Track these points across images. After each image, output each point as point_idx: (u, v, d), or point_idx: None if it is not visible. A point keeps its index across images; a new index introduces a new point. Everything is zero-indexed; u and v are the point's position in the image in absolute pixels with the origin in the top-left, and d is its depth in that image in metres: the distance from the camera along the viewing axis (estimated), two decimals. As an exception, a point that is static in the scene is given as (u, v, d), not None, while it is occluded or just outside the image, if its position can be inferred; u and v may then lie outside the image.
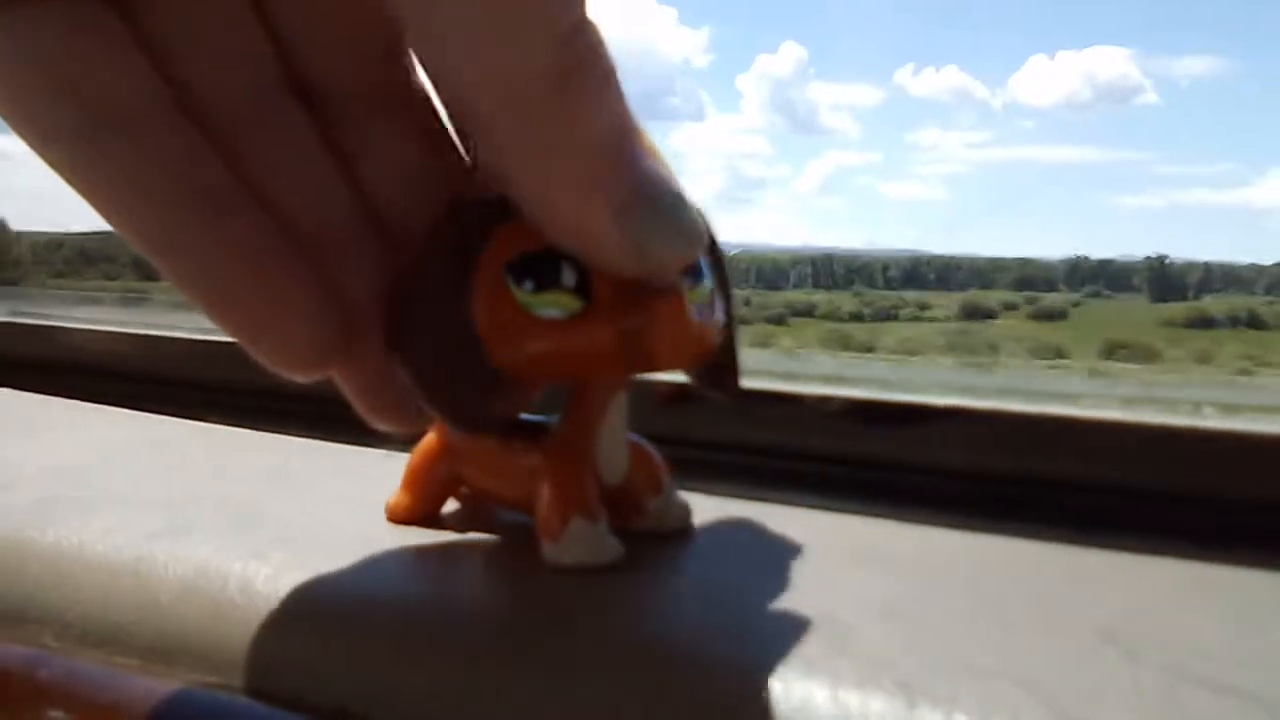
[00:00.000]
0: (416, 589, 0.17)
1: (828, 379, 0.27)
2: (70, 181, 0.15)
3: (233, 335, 0.16)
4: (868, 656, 0.14)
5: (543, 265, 0.15)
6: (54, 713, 0.16)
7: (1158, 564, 0.18)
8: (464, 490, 0.20)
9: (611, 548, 0.18)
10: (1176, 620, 0.16)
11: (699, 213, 0.15)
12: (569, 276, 0.15)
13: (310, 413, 0.28)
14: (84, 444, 0.26)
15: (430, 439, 0.20)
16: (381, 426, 0.17)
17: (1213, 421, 0.21)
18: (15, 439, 0.27)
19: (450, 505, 0.20)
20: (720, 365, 0.18)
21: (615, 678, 0.14)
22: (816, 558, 0.18)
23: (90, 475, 0.23)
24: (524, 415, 0.19)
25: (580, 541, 0.17)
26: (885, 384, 0.27)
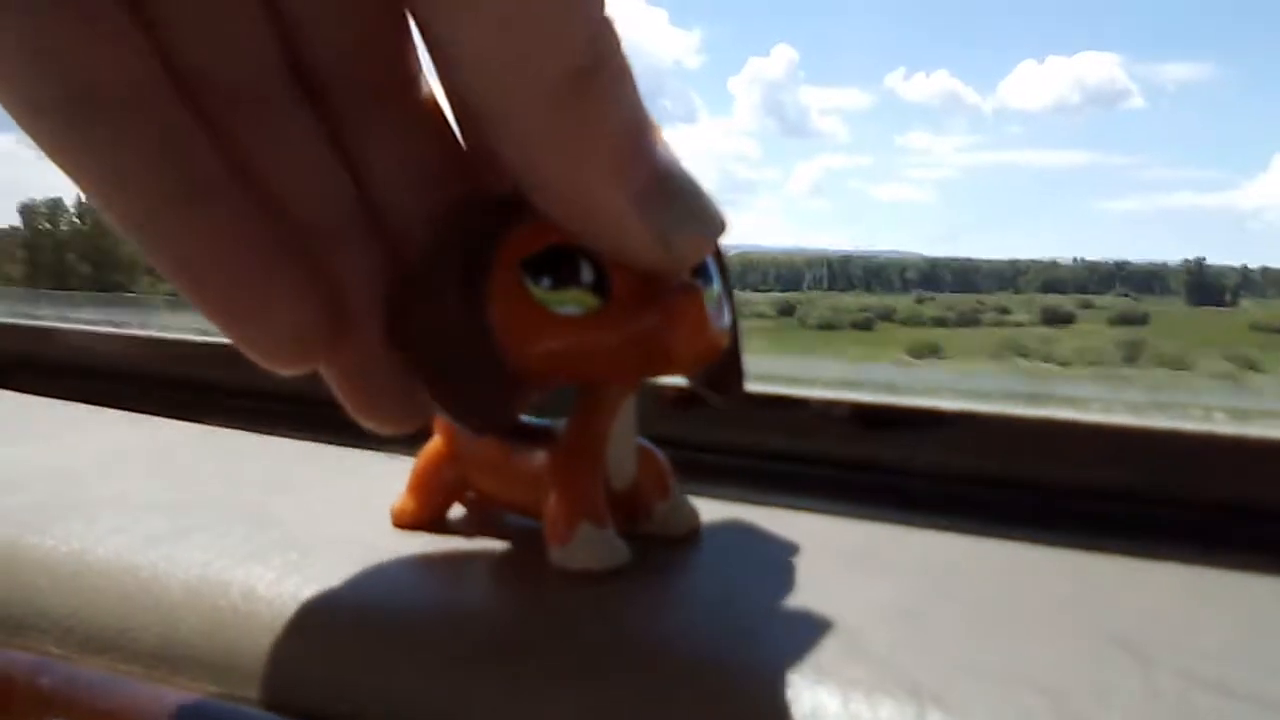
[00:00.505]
0: (422, 594, 0.17)
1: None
2: (52, 156, 0.14)
3: (212, 321, 0.15)
4: (877, 661, 0.14)
5: (560, 262, 0.15)
6: (56, 720, 0.16)
7: (1168, 569, 0.18)
8: (470, 495, 0.20)
9: (619, 552, 0.17)
10: (1189, 625, 0.16)
11: (715, 200, 0.15)
12: (587, 274, 0.15)
13: (315, 416, 0.28)
14: (85, 447, 0.26)
15: (436, 443, 0.20)
16: (369, 426, 0.17)
17: (1223, 426, 0.21)
18: (15, 442, 0.27)
19: (456, 510, 0.20)
20: (724, 369, 0.18)
21: (623, 682, 0.14)
22: (825, 562, 0.18)
23: (91, 479, 0.23)
24: (531, 419, 0.19)
25: (588, 546, 0.17)
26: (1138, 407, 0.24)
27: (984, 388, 0.28)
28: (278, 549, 0.18)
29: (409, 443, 0.20)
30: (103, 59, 0.14)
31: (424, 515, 0.20)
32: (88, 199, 0.15)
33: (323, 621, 0.16)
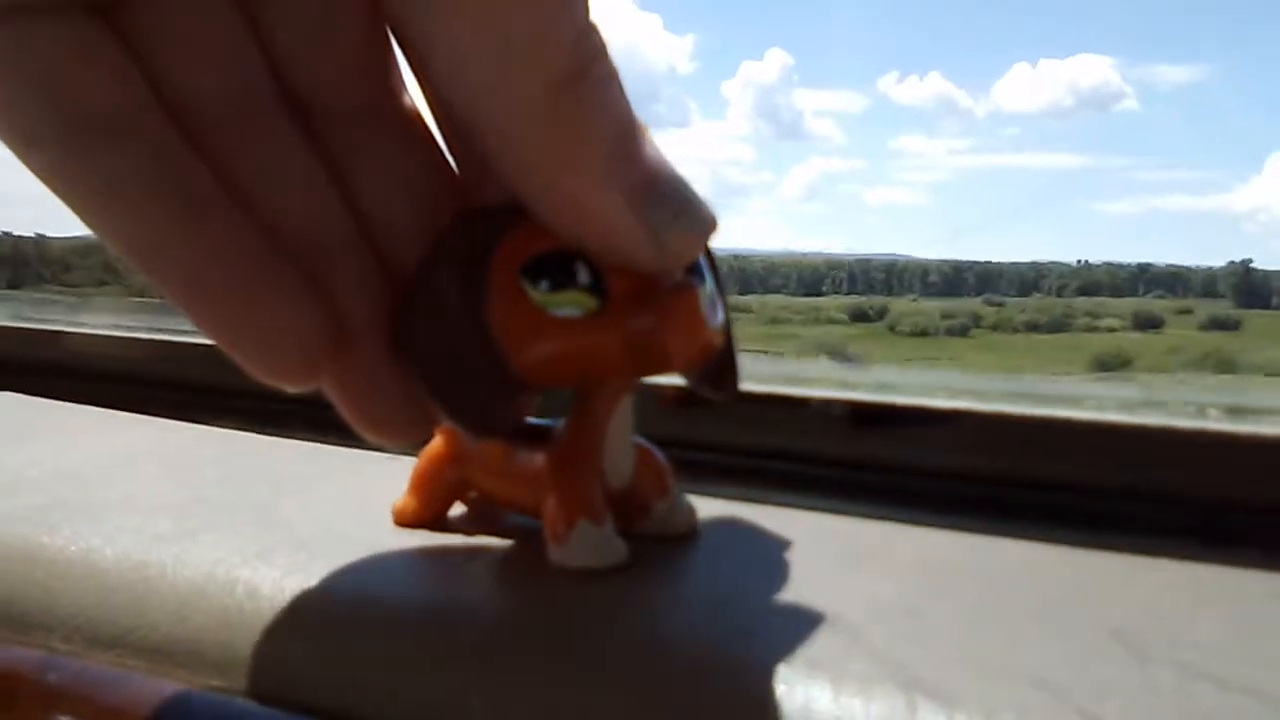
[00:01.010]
0: (423, 592, 0.17)
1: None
2: (48, 185, 0.15)
3: (214, 339, 0.16)
4: (872, 657, 0.14)
5: (558, 265, 0.16)
6: (64, 716, 0.16)
7: (1165, 566, 0.18)
8: (471, 494, 0.20)
9: (617, 550, 0.18)
10: (1187, 621, 0.16)
11: (705, 199, 0.15)
12: (584, 275, 0.16)
13: (317, 417, 0.28)
14: (91, 448, 0.26)
15: (437, 443, 0.20)
16: (373, 438, 0.17)
17: (1220, 424, 0.21)
18: (22, 443, 0.27)
19: (457, 509, 0.20)
20: (720, 367, 0.18)
21: (621, 680, 0.14)
22: (822, 560, 0.18)
23: (97, 479, 0.23)
24: (530, 419, 0.19)
25: (586, 544, 0.17)
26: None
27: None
28: (282, 548, 0.18)
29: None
30: (102, 92, 0.14)
31: (425, 514, 0.20)
32: (86, 224, 0.15)
33: (326, 619, 0.17)
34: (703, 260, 0.17)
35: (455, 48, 0.14)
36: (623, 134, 0.15)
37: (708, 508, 0.20)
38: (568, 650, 0.15)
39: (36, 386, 0.32)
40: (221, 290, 0.15)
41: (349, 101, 0.16)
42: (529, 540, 0.19)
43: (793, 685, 0.14)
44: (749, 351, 0.20)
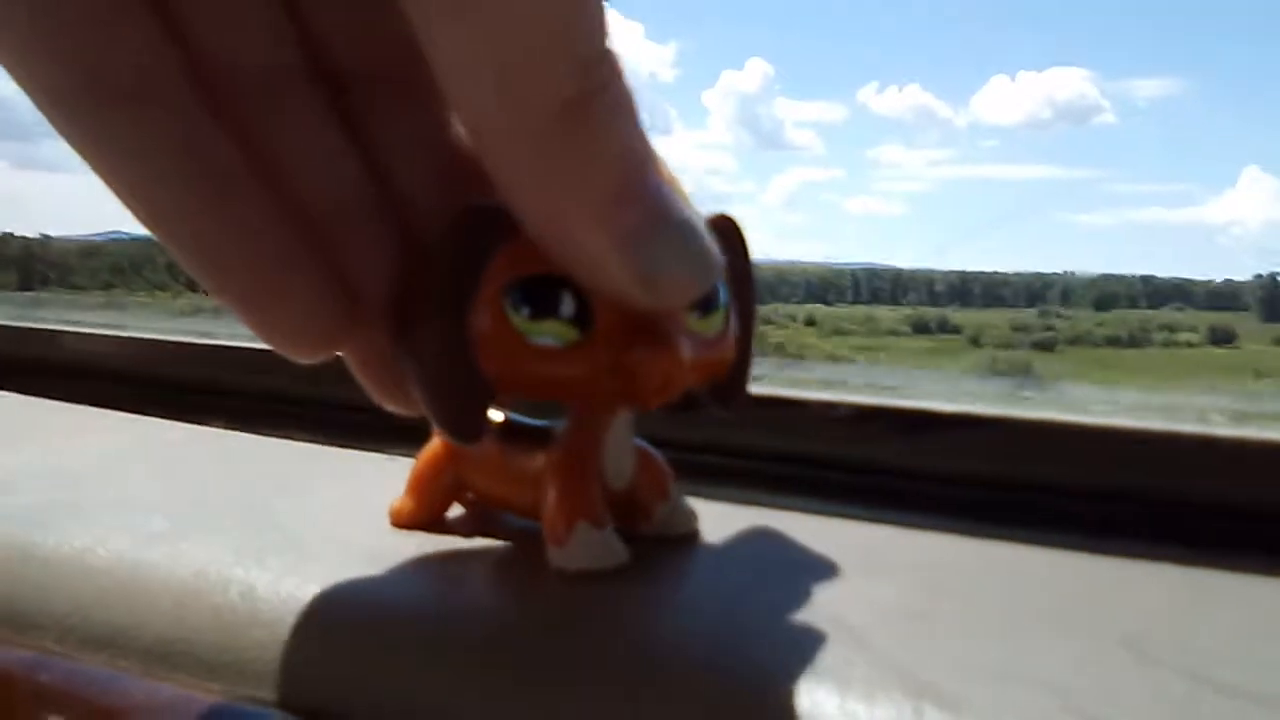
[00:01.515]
0: (421, 594, 0.17)
1: None
2: (72, 144, 0.15)
3: (231, 308, 0.16)
4: (876, 661, 0.14)
5: (542, 293, 0.15)
6: (54, 716, 0.16)
7: (1169, 570, 0.18)
8: (469, 496, 0.20)
9: (617, 553, 0.17)
10: (1193, 626, 0.16)
11: (713, 242, 0.15)
12: (568, 307, 0.15)
13: (314, 417, 0.28)
14: (85, 448, 0.26)
15: (435, 444, 0.20)
16: (390, 408, 0.17)
17: (1223, 429, 0.21)
18: (17, 443, 0.27)
19: (455, 510, 0.20)
20: (730, 381, 0.18)
21: (621, 683, 0.14)
22: (824, 563, 0.18)
23: (92, 479, 0.23)
24: (530, 421, 0.19)
25: (586, 547, 0.17)
26: None
27: None
28: (277, 549, 0.18)
29: (408, 444, 0.20)
30: (127, 55, 0.14)
31: (423, 516, 0.20)
32: (109, 188, 0.15)
33: (321, 620, 0.16)
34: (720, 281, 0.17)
35: (455, 46, 0.13)
36: (627, 168, 0.14)
37: (708, 510, 0.20)
38: (567, 653, 0.15)
39: (30, 386, 0.32)
40: (240, 262, 0.15)
41: (381, 75, 0.16)
42: (528, 542, 0.18)
43: (797, 690, 0.14)
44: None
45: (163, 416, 0.29)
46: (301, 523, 0.20)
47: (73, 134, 0.14)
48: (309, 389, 0.16)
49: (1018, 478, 0.23)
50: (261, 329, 0.16)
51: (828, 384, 0.26)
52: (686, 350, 0.15)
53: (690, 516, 0.19)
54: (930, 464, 0.23)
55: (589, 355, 0.15)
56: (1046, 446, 0.22)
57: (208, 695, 0.16)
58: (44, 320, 0.37)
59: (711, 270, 0.15)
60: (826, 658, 0.14)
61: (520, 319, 0.15)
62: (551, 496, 0.17)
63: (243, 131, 0.15)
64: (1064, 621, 0.16)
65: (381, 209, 0.16)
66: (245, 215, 0.15)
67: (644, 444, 0.19)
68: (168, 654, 0.17)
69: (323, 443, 0.26)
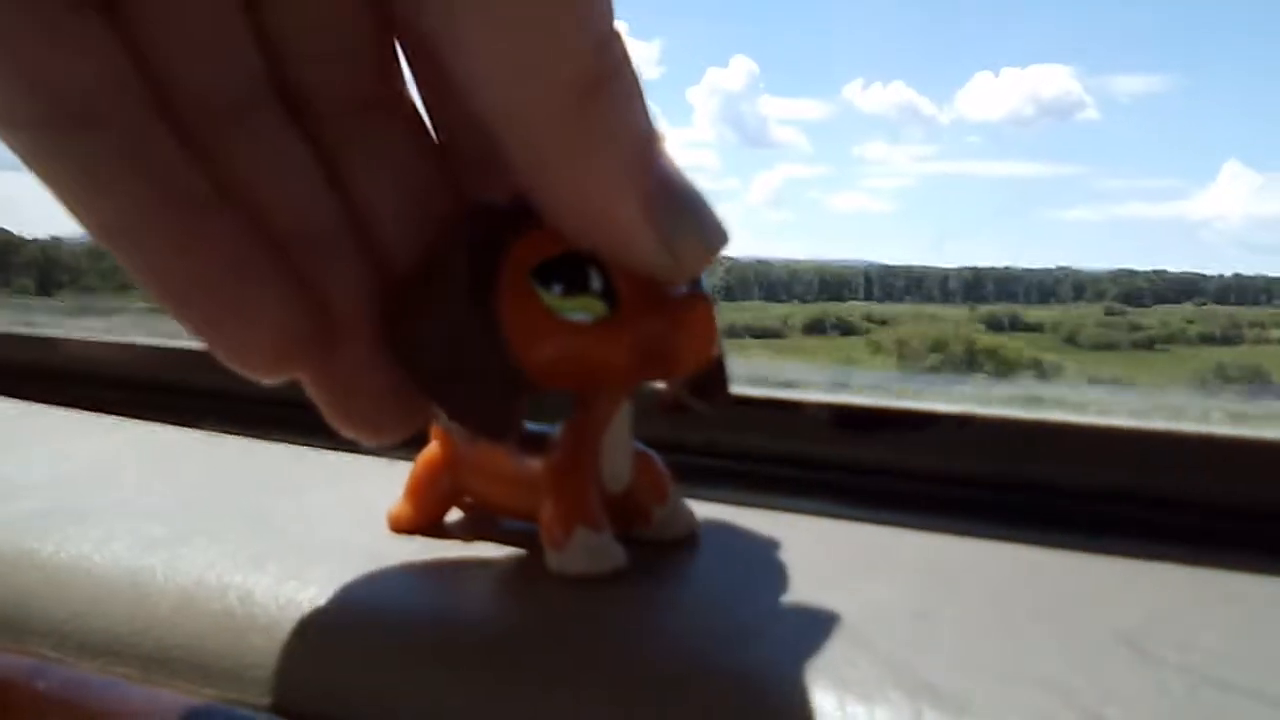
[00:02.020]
0: (419, 599, 0.17)
1: None
2: (29, 166, 0.15)
3: (189, 331, 0.16)
4: (876, 662, 0.14)
5: (572, 270, 0.15)
6: (53, 724, 0.16)
7: (1171, 569, 0.18)
8: (467, 500, 0.20)
9: (616, 556, 0.17)
10: (1193, 624, 0.16)
11: (720, 213, 0.16)
12: (596, 281, 0.16)
13: (312, 421, 0.28)
14: (83, 453, 0.26)
15: (433, 448, 0.20)
16: (351, 435, 0.17)
17: (1223, 428, 0.21)
18: (14, 449, 0.27)
19: (453, 515, 0.20)
20: (710, 377, 0.18)
21: (621, 686, 0.14)
22: (824, 565, 0.18)
23: (89, 485, 0.23)
24: (527, 425, 0.19)
25: (584, 550, 0.17)
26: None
27: None
28: (275, 554, 0.18)
29: (406, 448, 0.20)
30: (88, 79, 0.14)
31: (421, 520, 0.20)
32: (64, 208, 0.15)
33: (319, 626, 0.16)
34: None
35: (478, 41, 0.14)
36: (642, 143, 0.15)
37: (707, 513, 0.20)
38: (566, 658, 0.15)
39: (29, 391, 0.32)
40: (199, 284, 0.15)
41: (346, 96, 0.16)
42: (526, 546, 0.18)
43: (797, 691, 0.14)
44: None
45: (161, 421, 0.29)
46: (300, 527, 0.20)
47: (30, 156, 0.14)
48: (309, 392, 0.16)
49: (1017, 478, 0.23)
50: (215, 346, 0.16)
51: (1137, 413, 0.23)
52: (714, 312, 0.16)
53: (689, 519, 0.19)
54: (929, 464, 0.23)
55: (620, 329, 0.16)
56: (1046, 446, 0.22)
57: (206, 701, 0.16)
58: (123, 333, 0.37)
59: (725, 234, 0.16)
60: (826, 658, 0.14)
61: (552, 298, 0.15)
62: (549, 501, 0.17)
63: (210, 151, 0.15)
64: (1064, 621, 0.16)
65: (351, 231, 0.16)
66: (195, 232, 0.15)
67: (642, 447, 0.19)
68: (167, 660, 0.17)
69: (321, 447, 0.26)
